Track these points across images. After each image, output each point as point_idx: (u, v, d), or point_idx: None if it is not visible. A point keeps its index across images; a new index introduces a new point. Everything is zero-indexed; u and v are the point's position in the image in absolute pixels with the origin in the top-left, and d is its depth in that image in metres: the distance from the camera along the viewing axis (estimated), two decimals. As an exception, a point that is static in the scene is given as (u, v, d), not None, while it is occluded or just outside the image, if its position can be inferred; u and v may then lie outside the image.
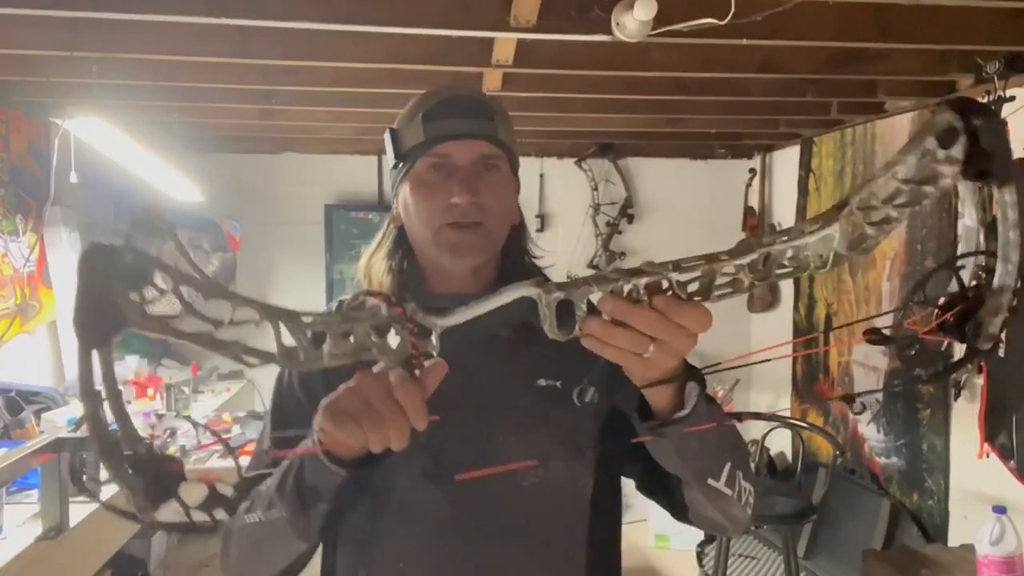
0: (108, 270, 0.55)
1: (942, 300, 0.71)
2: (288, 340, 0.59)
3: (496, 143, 1.01)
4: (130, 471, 0.56)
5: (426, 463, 0.94)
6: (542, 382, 0.99)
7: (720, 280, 0.65)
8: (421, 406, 0.67)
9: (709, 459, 0.87)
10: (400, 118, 1.05)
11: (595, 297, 0.66)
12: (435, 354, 0.65)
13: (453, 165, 0.99)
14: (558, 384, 0.99)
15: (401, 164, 1.03)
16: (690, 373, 0.81)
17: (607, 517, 1.06)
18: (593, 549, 1.01)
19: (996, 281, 0.66)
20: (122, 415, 0.58)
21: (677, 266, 0.64)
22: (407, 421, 0.67)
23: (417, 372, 0.66)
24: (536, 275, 1.07)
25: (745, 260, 0.64)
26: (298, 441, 0.82)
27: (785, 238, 0.64)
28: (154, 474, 0.57)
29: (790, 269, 0.65)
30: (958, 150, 0.58)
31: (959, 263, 0.79)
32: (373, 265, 1.07)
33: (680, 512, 0.98)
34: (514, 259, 1.08)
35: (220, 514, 0.60)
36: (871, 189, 0.60)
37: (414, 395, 0.66)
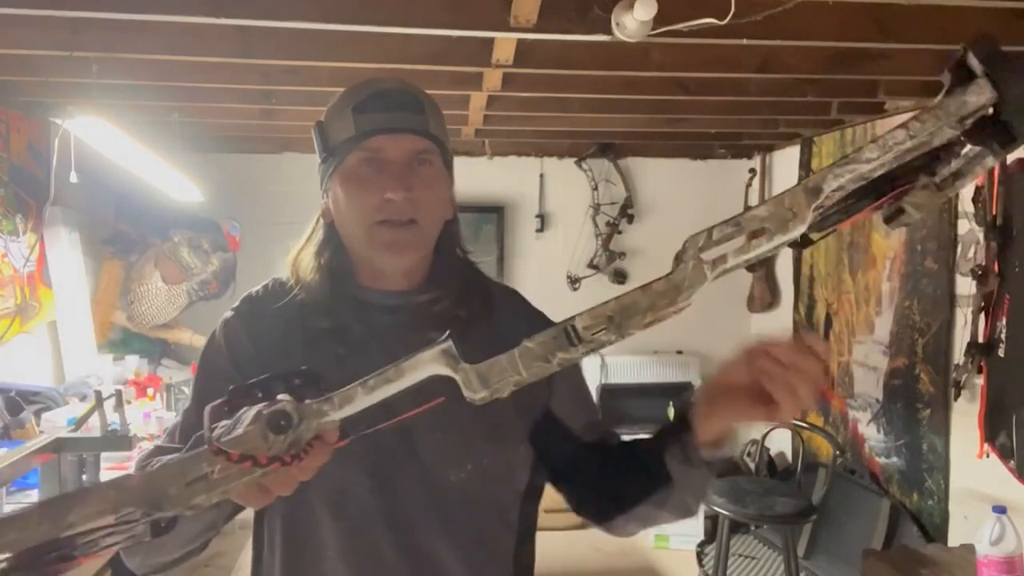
0: None
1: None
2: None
3: (428, 137, 0.98)
4: None
5: (352, 453, 0.89)
6: None
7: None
8: (289, 487, 0.67)
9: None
10: (328, 111, 1.02)
11: (520, 379, 0.59)
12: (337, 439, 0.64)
13: (385, 160, 0.96)
14: None
15: (330, 158, 0.99)
16: None
17: (531, 502, 1.07)
18: (519, 543, 1.04)
19: None
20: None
21: (614, 326, 0.56)
22: (275, 495, 0.68)
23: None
24: (469, 272, 1.08)
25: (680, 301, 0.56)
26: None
27: (730, 232, 0.56)
28: None
29: (740, 261, 0.58)
30: (976, 96, 0.50)
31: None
32: (301, 262, 1.05)
33: (612, 516, 1.02)
34: (446, 256, 1.06)
35: None
36: (855, 168, 0.53)
37: (284, 483, 0.66)
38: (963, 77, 0.51)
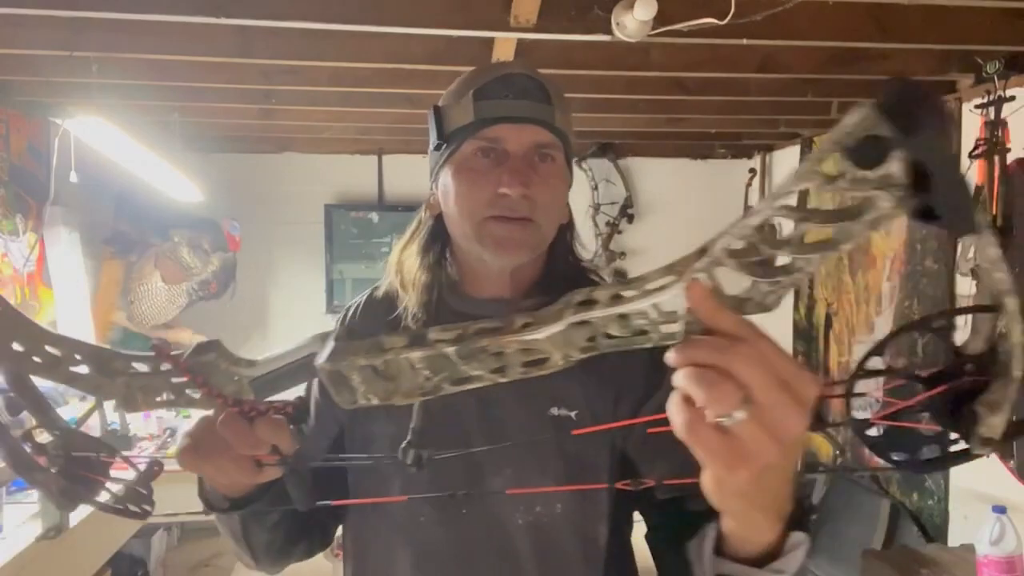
0: None
1: (927, 372, 0.52)
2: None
3: (554, 131, 0.90)
4: (52, 470, 0.57)
5: (418, 481, 0.85)
6: (555, 411, 0.90)
7: (525, 351, 0.49)
8: (245, 440, 0.62)
9: None
10: (447, 94, 0.94)
11: (361, 366, 0.52)
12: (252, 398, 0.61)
13: (504, 151, 0.89)
14: (572, 415, 0.89)
15: (444, 145, 0.91)
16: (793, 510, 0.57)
17: (620, 560, 0.95)
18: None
19: (1002, 359, 0.47)
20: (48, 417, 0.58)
21: (460, 339, 0.49)
22: (237, 454, 0.65)
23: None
24: (582, 280, 0.98)
25: (546, 331, 0.47)
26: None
27: (617, 300, 0.46)
28: (73, 477, 0.58)
29: (623, 337, 0.48)
30: (897, 168, 0.38)
31: (939, 322, 0.55)
32: (406, 260, 0.97)
33: None
34: (559, 262, 0.97)
35: (141, 507, 0.62)
36: (746, 229, 0.43)
37: (236, 429, 0.62)
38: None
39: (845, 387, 0.53)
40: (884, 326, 3.26)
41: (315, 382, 0.97)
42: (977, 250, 0.43)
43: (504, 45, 2.19)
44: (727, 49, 2.32)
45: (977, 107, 2.54)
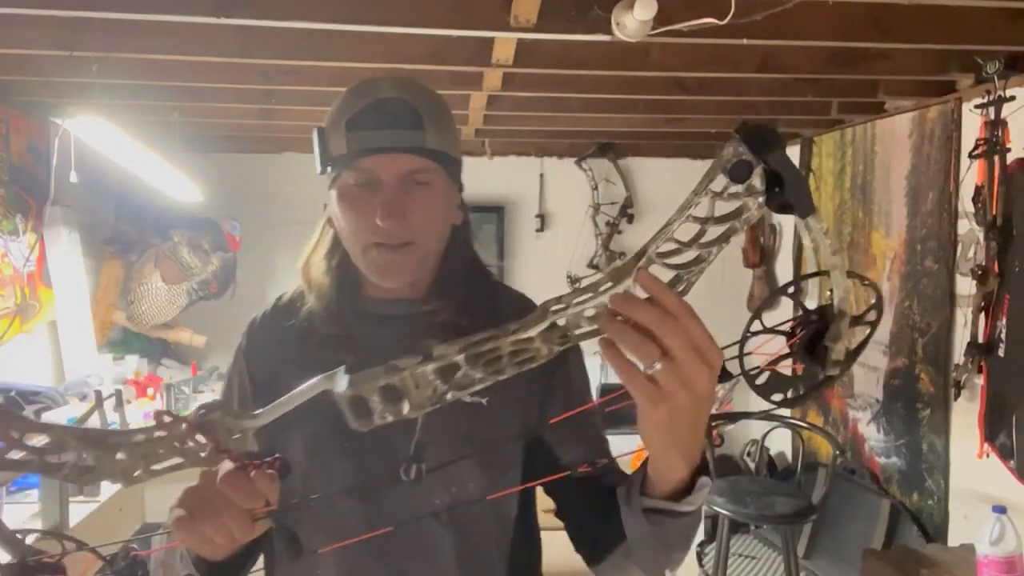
0: None
1: (788, 325, 0.71)
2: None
3: (426, 154, 0.92)
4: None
5: (336, 473, 0.93)
6: (467, 398, 0.94)
7: (515, 352, 0.61)
8: (247, 494, 0.69)
9: (677, 551, 0.85)
10: (327, 118, 0.96)
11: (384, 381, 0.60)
12: (255, 450, 0.65)
13: (378, 181, 0.91)
14: (484, 402, 0.90)
15: (327, 170, 0.95)
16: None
17: (527, 539, 1.02)
18: (513, 559, 0.99)
19: (835, 306, 0.67)
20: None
21: (465, 347, 0.60)
22: (238, 510, 0.70)
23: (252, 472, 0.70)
24: (477, 276, 1.05)
25: (535, 330, 0.60)
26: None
27: (581, 299, 0.60)
28: None
29: (592, 329, 0.61)
30: (758, 181, 0.59)
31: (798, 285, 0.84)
32: (312, 265, 1.04)
33: (593, 561, 0.95)
34: (454, 261, 1.02)
35: None
36: (668, 235, 0.61)
37: (239, 485, 0.69)
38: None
39: (738, 347, 0.70)
40: (884, 326, 3.26)
41: (239, 375, 1.06)
42: (809, 226, 0.63)
43: (504, 45, 2.19)
44: (727, 49, 2.32)
45: (977, 107, 2.54)
